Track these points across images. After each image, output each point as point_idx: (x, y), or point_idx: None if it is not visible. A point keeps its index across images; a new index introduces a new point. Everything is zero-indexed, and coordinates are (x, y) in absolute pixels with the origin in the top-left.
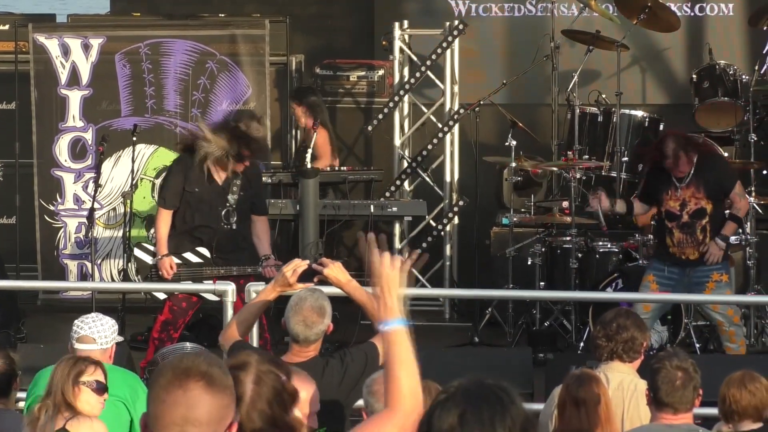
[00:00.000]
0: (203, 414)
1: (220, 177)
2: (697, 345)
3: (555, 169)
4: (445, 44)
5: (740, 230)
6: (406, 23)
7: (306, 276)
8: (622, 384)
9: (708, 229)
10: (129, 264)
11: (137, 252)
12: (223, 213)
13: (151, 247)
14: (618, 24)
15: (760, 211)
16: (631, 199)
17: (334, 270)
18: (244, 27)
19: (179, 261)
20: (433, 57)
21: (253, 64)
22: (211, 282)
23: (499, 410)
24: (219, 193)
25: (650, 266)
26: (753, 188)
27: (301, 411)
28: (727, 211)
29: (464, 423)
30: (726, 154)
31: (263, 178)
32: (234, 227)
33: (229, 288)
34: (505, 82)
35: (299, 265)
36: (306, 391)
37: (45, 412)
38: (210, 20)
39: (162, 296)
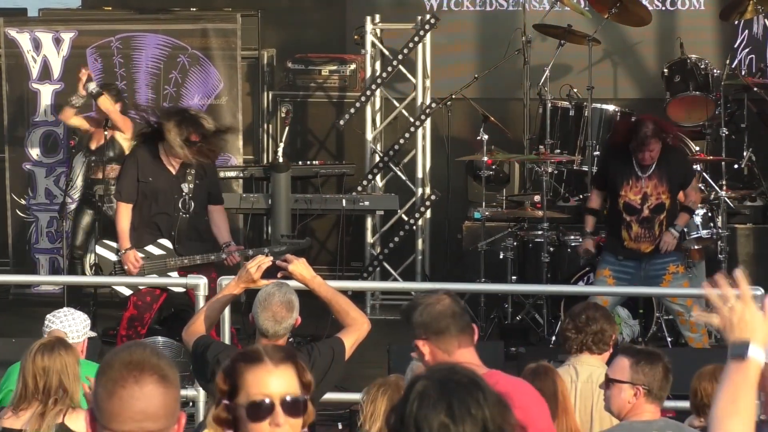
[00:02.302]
0: (160, 408)
1: (173, 167)
2: (669, 339)
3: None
4: (416, 38)
5: (711, 224)
6: (378, 17)
7: (270, 272)
8: (591, 376)
9: (665, 224)
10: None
11: (99, 249)
12: (179, 202)
13: (113, 243)
14: (589, 18)
15: (732, 205)
16: (592, 192)
17: (299, 266)
18: (215, 21)
19: (142, 255)
20: (405, 51)
21: (224, 58)
22: (178, 275)
23: (479, 391)
24: (173, 183)
25: (603, 260)
26: (724, 182)
27: None
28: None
29: (454, 415)
30: (698, 148)
31: (232, 172)
32: (190, 215)
33: (201, 282)
34: (476, 76)
35: (263, 261)
36: None
37: (29, 413)
38: (181, 14)
39: (127, 292)
